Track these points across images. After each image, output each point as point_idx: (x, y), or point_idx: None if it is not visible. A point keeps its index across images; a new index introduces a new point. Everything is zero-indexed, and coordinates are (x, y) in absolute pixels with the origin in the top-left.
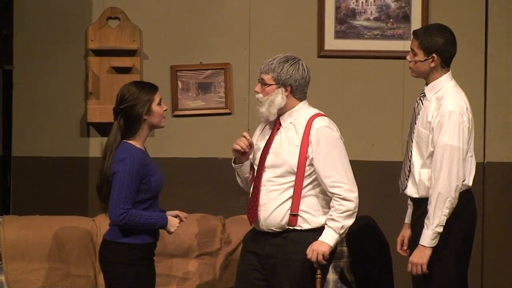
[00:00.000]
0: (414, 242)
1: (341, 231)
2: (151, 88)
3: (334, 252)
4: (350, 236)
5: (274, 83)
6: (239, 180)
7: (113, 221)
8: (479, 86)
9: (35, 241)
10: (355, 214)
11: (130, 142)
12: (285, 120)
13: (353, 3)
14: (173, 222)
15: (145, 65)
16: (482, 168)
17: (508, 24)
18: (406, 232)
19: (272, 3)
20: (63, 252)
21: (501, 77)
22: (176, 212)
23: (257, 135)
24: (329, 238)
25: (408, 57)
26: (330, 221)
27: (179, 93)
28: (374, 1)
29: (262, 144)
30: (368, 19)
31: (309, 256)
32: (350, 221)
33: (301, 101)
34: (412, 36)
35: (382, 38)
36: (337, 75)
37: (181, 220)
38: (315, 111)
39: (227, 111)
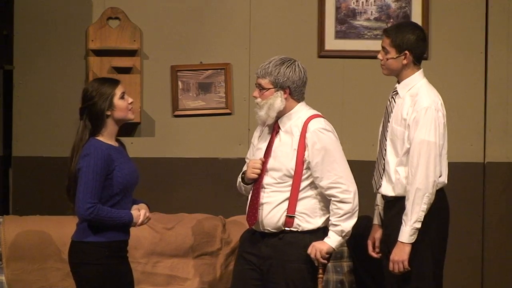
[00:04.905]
0: (388, 241)
1: (343, 234)
2: (112, 83)
3: (330, 254)
4: (350, 236)
5: (272, 86)
6: (242, 190)
7: (81, 217)
8: (479, 86)
9: (35, 241)
10: (355, 214)
11: (97, 138)
12: (283, 123)
13: (354, 3)
14: (135, 214)
15: (146, 65)
16: (482, 168)
17: (508, 24)
18: (376, 234)
19: (272, 3)
20: (63, 252)
21: (501, 77)
22: (140, 206)
23: (256, 137)
24: (330, 240)
25: (379, 56)
26: (331, 226)
27: (179, 93)
28: (374, 1)
29: (262, 146)
30: (368, 19)
31: (308, 251)
32: (350, 223)
33: (299, 102)
34: (383, 35)
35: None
36: (337, 75)
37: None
38: (311, 112)
39: (228, 111)
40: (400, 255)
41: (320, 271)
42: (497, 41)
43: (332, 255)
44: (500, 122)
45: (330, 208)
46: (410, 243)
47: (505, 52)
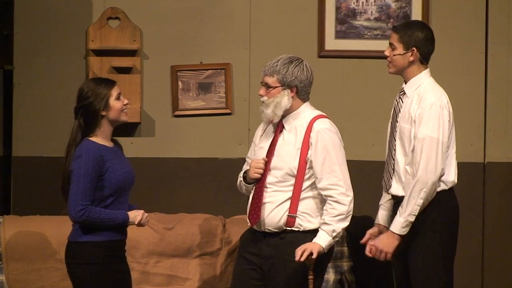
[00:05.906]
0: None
1: (333, 234)
2: (108, 83)
3: (331, 254)
4: (351, 236)
5: (279, 85)
6: (243, 189)
7: (73, 219)
8: (479, 86)
9: (35, 241)
10: (348, 218)
11: (91, 138)
12: (288, 122)
13: (354, 3)
14: (133, 214)
15: (146, 65)
16: (482, 168)
17: (508, 24)
18: (374, 231)
19: (272, 3)
20: (63, 252)
21: (501, 77)
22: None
23: (258, 136)
24: (321, 240)
25: (386, 52)
26: (323, 225)
27: (179, 93)
28: (374, 1)
29: (265, 145)
30: (368, 19)
31: (296, 250)
32: (342, 225)
33: (304, 102)
34: (391, 31)
35: (382, 38)
36: (337, 75)
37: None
38: (317, 112)
39: (228, 111)
40: (386, 246)
41: (311, 272)
42: (497, 41)
43: (319, 256)
44: (500, 122)
45: (324, 208)
46: (400, 235)
47: (505, 52)
